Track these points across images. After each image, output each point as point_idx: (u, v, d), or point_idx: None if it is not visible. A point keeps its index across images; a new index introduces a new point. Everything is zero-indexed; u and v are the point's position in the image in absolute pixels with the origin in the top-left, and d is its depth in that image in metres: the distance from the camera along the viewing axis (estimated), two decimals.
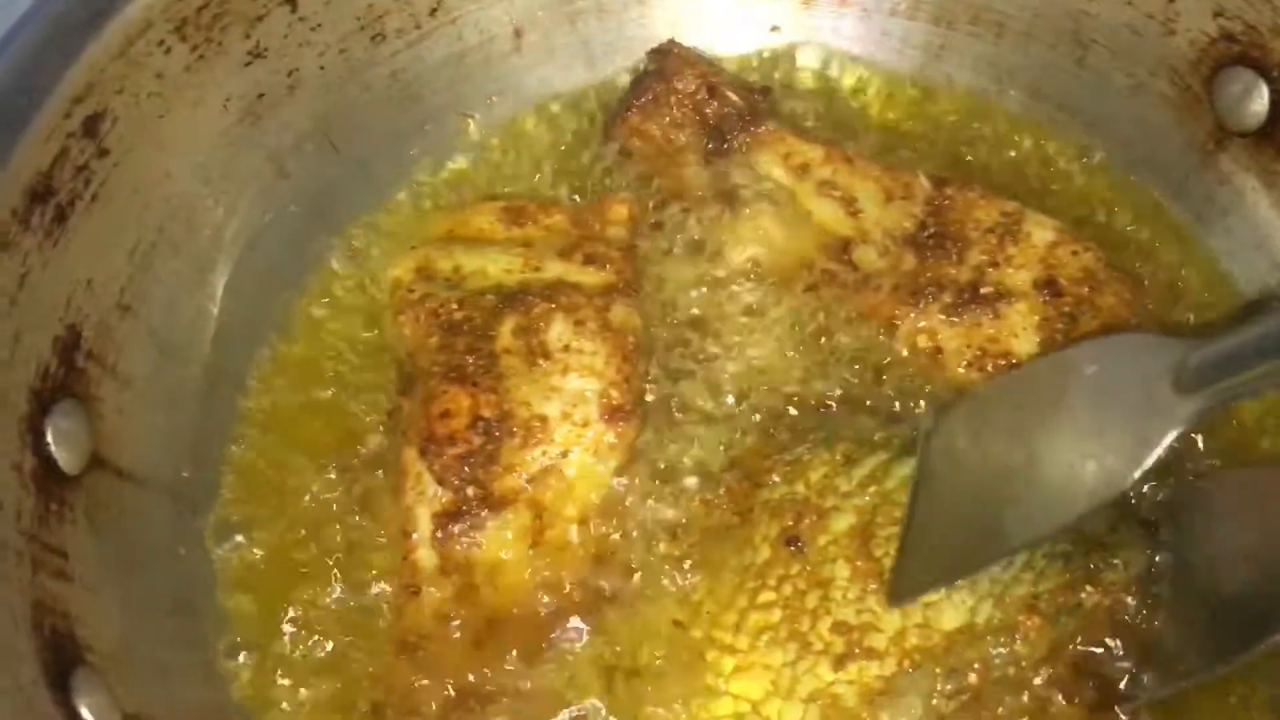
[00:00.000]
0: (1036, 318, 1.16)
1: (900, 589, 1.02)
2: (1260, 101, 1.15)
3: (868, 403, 1.17)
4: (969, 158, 1.33)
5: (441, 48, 1.33)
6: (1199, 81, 1.19)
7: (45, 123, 1.02)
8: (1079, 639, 1.03)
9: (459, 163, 1.36)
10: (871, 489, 1.08)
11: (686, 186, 1.29)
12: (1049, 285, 1.17)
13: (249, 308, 1.24)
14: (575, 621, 1.09)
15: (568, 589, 1.10)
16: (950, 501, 1.04)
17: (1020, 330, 1.16)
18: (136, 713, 0.97)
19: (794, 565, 1.06)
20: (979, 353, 1.16)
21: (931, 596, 1.02)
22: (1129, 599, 1.05)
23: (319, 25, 1.24)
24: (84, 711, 0.91)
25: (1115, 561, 1.05)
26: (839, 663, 1.01)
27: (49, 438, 1.01)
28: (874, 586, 1.03)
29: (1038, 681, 1.01)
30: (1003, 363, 1.15)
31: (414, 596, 1.08)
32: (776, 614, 1.04)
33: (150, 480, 1.12)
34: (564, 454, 1.10)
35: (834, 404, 1.18)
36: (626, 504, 1.13)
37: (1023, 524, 1.00)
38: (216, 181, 1.21)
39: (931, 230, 1.21)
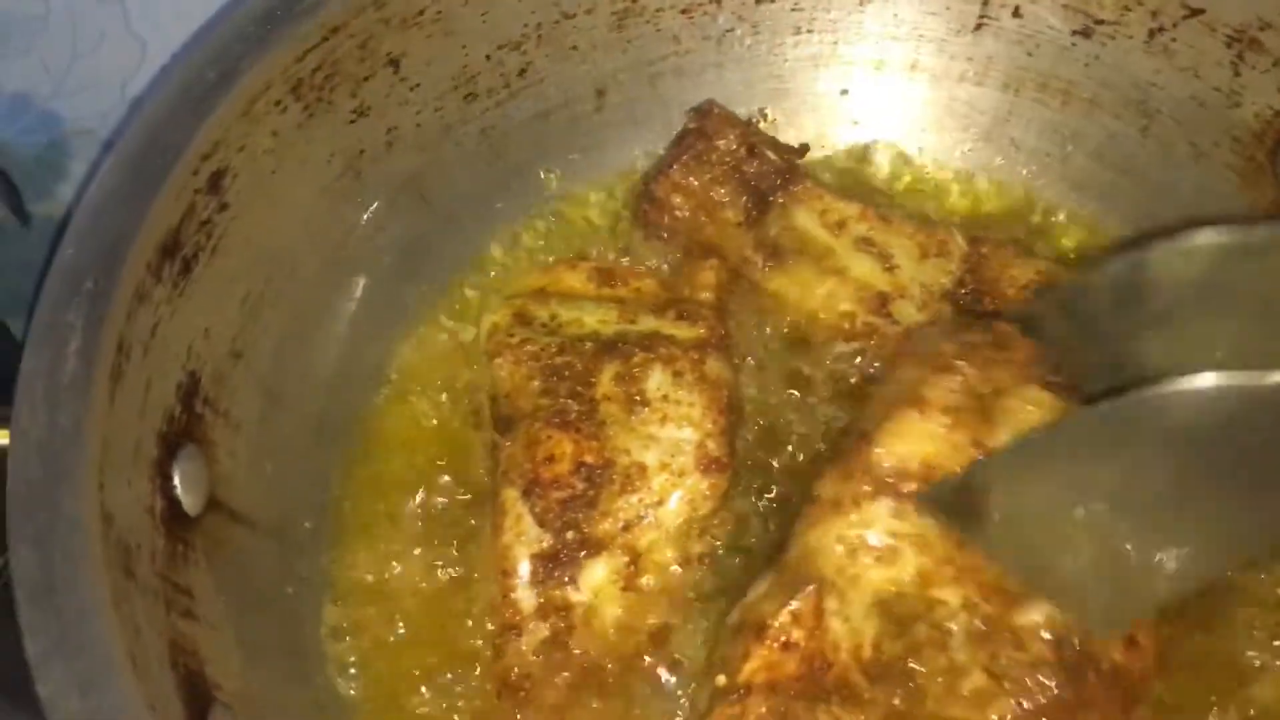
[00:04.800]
0: None
1: None
2: None
3: None
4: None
5: (528, 107, 1.38)
6: (1263, 153, 1.25)
7: (177, 180, 1.06)
8: None
9: (543, 218, 1.41)
10: None
11: (727, 242, 1.34)
12: None
13: (349, 356, 1.28)
14: (661, 668, 1.13)
15: (656, 632, 1.14)
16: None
17: None
18: None
19: None
20: None
21: None
22: None
23: (418, 85, 1.29)
24: None
25: None
26: None
27: (175, 480, 1.04)
28: None
29: None
30: None
31: (515, 636, 1.11)
32: None
33: (260, 523, 1.15)
34: (660, 502, 1.14)
35: None
36: (714, 557, 1.17)
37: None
38: (317, 233, 1.26)
39: (969, 287, 1.26)
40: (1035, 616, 1.01)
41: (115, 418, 0.97)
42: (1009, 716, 0.99)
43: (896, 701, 1.01)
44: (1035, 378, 1.08)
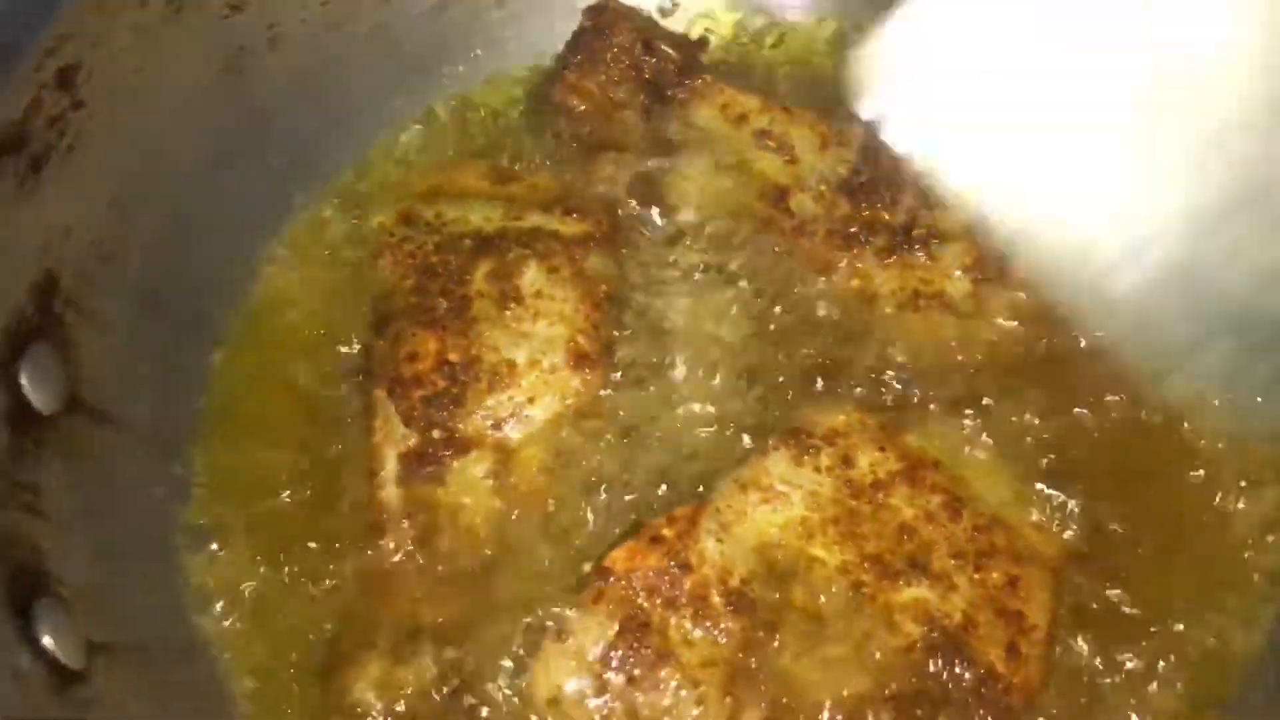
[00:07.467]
0: (969, 259, 1.16)
1: None
2: None
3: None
4: None
5: (425, 1, 1.34)
6: None
7: (18, 75, 1.04)
8: None
9: (441, 116, 1.37)
10: None
11: (626, 141, 1.30)
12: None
13: (230, 258, 1.26)
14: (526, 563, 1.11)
15: (525, 532, 1.12)
16: None
17: (953, 271, 1.16)
18: (105, 642, 1.01)
19: None
20: (912, 294, 1.17)
21: None
22: None
23: None
24: (45, 639, 0.94)
25: None
26: None
27: (23, 379, 1.04)
28: None
29: None
30: (935, 303, 1.16)
31: (379, 534, 1.10)
32: None
33: (131, 424, 1.15)
34: (530, 400, 1.12)
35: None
36: (585, 454, 1.14)
37: None
38: (197, 134, 1.23)
39: (865, 176, 1.21)
40: (911, 595, 1.01)
41: None
42: (864, 694, 0.99)
43: (753, 638, 1.00)
44: None
